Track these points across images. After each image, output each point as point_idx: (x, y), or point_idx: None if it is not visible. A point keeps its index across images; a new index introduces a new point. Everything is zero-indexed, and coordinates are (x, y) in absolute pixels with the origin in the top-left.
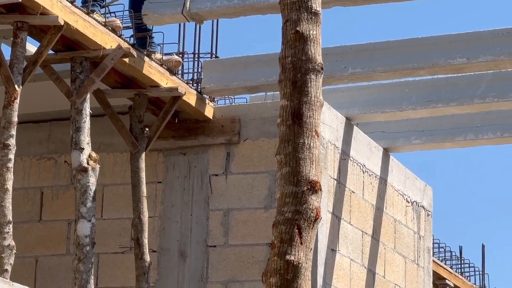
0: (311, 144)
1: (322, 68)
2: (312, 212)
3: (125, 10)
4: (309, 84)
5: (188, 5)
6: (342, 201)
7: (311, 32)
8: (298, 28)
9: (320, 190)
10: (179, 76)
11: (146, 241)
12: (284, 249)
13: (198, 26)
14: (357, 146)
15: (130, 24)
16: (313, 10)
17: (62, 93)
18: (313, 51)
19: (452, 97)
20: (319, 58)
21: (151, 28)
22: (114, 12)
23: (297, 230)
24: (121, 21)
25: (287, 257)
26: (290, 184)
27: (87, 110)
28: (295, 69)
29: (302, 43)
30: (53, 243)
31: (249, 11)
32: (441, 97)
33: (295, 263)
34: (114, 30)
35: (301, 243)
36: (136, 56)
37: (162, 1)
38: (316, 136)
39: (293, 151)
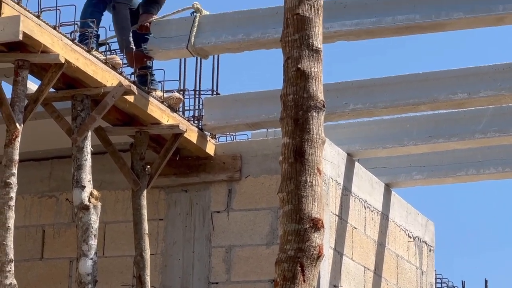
0: (313, 182)
1: (323, 106)
2: (314, 250)
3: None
4: (311, 122)
5: (193, 40)
6: (344, 237)
7: (312, 69)
8: (299, 66)
9: (323, 227)
10: (180, 113)
11: (148, 278)
12: (287, 287)
13: (199, 63)
14: (359, 182)
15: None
16: (314, 48)
17: (63, 131)
18: (314, 89)
19: (454, 132)
20: (320, 96)
21: (151, 65)
22: (114, 50)
23: (299, 268)
24: (121, 58)
25: None
26: (293, 222)
27: (88, 148)
28: (297, 107)
29: (303, 81)
30: (55, 281)
31: (254, 45)
32: (442, 132)
33: None
34: (114, 67)
35: (304, 281)
36: (137, 93)
37: (167, 36)
38: (318, 174)
39: (295, 188)
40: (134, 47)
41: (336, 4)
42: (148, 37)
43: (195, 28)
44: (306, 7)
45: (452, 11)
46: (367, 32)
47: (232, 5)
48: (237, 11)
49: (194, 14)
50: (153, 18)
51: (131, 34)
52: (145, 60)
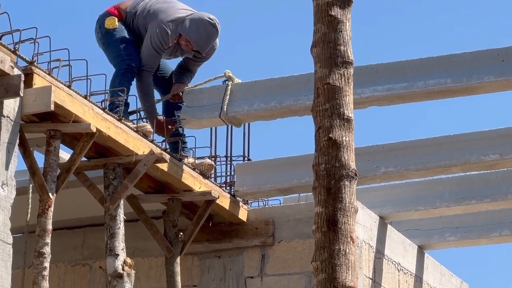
0: (347, 250)
1: (355, 174)
2: None
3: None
4: (343, 191)
5: (225, 109)
6: None
7: (343, 138)
8: (331, 135)
9: None
10: (212, 179)
11: None
12: None
13: (229, 129)
14: (392, 245)
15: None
16: (345, 117)
17: (96, 199)
18: (346, 158)
19: (486, 193)
20: (352, 164)
21: (183, 132)
22: (145, 118)
23: None
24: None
25: None
26: None
27: (121, 216)
28: (329, 176)
29: (335, 150)
30: None
31: (286, 113)
32: (474, 193)
33: None
34: (145, 135)
35: None
36: (168, 161)
37: (199, 105)
38: (351, 242)
39: (329, 257)
40: (157, 115)
41: (368, 69)
42: (181, 105)
43: (228, 97)
44: (337, 76)
45: (483, 74)
46: (399, 97)
47: (264, 73)
48: (269, 79)
49: (226, 82)
50: (186, 87)
51: (154, 101)
52: (170, 127)
